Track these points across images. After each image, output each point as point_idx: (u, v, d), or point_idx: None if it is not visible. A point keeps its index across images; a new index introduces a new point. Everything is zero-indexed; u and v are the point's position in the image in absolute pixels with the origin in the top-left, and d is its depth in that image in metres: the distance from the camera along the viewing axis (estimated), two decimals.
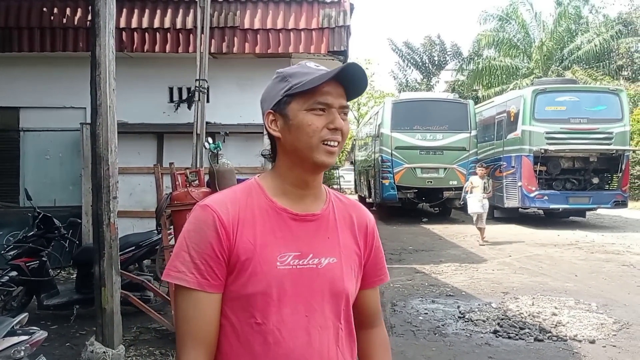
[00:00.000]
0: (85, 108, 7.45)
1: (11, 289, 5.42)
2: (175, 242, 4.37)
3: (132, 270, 5.94)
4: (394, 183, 15.02)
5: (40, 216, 5.68)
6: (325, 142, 1.27)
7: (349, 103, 1.33)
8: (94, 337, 4.18)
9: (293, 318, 1.26)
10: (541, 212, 16.31)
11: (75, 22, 7.90)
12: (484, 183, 11.42)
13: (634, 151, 18.26)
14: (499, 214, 15.72)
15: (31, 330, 2.85)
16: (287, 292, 1.26)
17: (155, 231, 5.65)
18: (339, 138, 1.28)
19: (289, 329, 1.26)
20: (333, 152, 1.28)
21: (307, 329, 1.28)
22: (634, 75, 26.78)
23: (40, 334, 2.85)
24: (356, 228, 1.41)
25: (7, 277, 5.36)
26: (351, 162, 26.34)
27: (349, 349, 1.37)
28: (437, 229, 13.75)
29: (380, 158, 15.46)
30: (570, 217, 15.78)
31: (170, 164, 5.19)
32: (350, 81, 1.29)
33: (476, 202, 11.35)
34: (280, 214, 1.30)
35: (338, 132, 1.28)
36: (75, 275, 6.16)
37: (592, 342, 5.06)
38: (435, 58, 33.02)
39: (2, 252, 5.72)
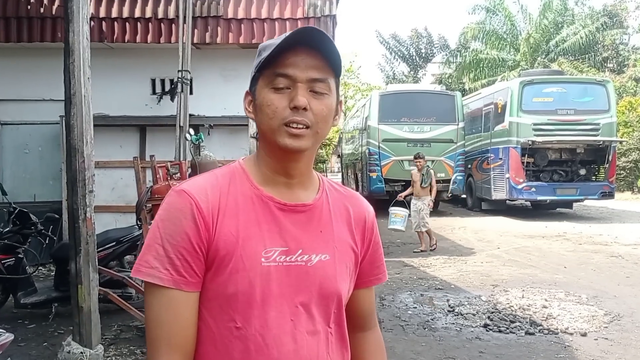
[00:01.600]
0: (64, 100, 7.25)
1: None
2: None
3: (112, 266, 5.76)
4: (382, 176, 14.92)
5: (15, 212, 5.47)
6: (288, 124, 1.09)
7: (327, 76, 1.12)
8: (71, 337, 4.02)
9: (278, 322, 1.10)
10: (528, 203, 16.33)
11: (53, 12, 7.65)
12: (422, 176, 9.75)
13: (620, 142, 18.30)
14: (487, 206, 15.70)
15: None
16: (272, 293, 1.10)
17: (137, 226, 5.48)
18: (305, 120, 1.09)
19: (273, 335, 1.09)
20: (297, 134, 1.09)
21: (294, 334, 1.11)
22: (619, 67, 26.91)
23: (6, 337, 2.68)
24: (353, 221, 1.24)
25: None
26: (338, 156, 26.21)
27: (340, 355, 1.21)
28: None
29: (367, 151, 15.35)
30: (558, 209, 15.80)
31: (151, 156, 5.04)
32: (317, 48, 1.10)
33: (414, 206, 9.82)
34: (266, 204, 1.14)
35: (305, 113, 1.09)
36: (54, 272, 5.97)
37: (584, 334, 4.99)
38: (423, 50, 32.98)
39: None
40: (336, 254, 1.18)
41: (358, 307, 1.31)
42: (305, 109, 1.09)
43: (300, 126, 1.09)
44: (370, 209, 1.31)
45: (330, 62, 1.12)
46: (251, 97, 1.17)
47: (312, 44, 1.09)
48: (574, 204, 15.74)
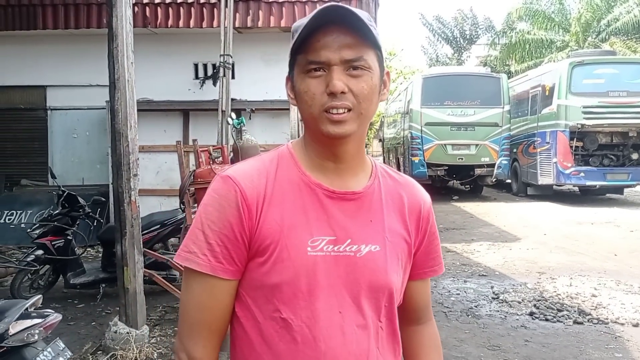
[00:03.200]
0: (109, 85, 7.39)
1: (38, 268, 5.41)
2: None
3: (157, 249, 5.88)
4: (424, 160, 14.70)
5: (64, 195, 5.64)
6: (328, 111, 1.04)
7: (362, 53, 1.04)
8: (117, 317, 4.12)
9: (326, 315, 1.06)
10: (576, 189, 15.81)
11: None
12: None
13: None
14: (532, 191, 15.28)
15: (45, 313, 2.76)
16: (319, 284, 1.06)
17: (180, 210, 5.56)
18: (346, 103, 1.03)
19: (320, 327, 1.05)
20: (339, 120, 1.04)
21: (342, 327, 1.07)
22: None
23: (55, 317, 2.75)
24: (407, 211, 1.17)
25: (33, 256, 5.34)
26: (380, 140, 25.99)
27: (391, 351, 1.16)
28: (468, 207, 13.42)
29: (409, 135, 15.14)
30: (607, 195, 15.26)
31: (194, 140, 5.08)
32: (348, 24, 1.03)
33: None
34: (314, 191, 1.09)
35: (344, 96, 1.03)
36: (101, 254, 6.13)
37: (636, 325, 4.80)
38: (467, 32, 32.21)
39: (28, 230, 5.70)
40: (387, 244, 1.12)
41: (412, 300, 1.25)
42: (343, 92, 1.03)
43: (341, 111, 1.04)
44: (426, 197, 1.24)
45: (365, 36, 1.05)
46: (291, 82, 1.12)
47: (342, 20, 1.03)
48: (625, 190, 15.16)
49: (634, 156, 13.60)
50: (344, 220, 1.10)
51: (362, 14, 1.05)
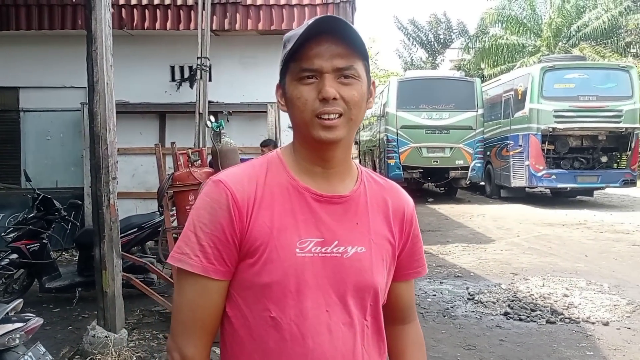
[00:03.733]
0: (86, 88, 7.29)
1: (12, 272, 5.33)
2: (178, 223, 4.23)
3: (134, 252, 5.84)
4: (400, 163, 14.84)
5: (39, 198, 5.56)
6: (320, 116, 1.08)
7: (352, 62, 1.10)
8: (95, 321, 4.09)
9: (314, 313, 1.10)
10: (548, 191, 16.12)
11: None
12: None
13: None
14: (506, 193, 15.55)
15: (26, 317, 2.74)
16: (307, 283, 1.10)
17: (158, 213, 5.53)
18: (337, 109, 1.08)
19: (308, 325, 1.10)
20: (330, 125, 1.08)
21: (329, 325, 1.11)
22: None
23: (36, 321, 2.73)
24: (391, 214, 1.22)
25: (8, 260, 5.27)
26: (356, 142, 26.15)
27: (376, 349, 1.21)
28: (444, 209, 13.60)
29: (385, 138, 15.26)
30: (578, 197, 15.59)
31: (172, 143, 5.06)
32: (340, 35, 1.08)
33: None
34: (302, 194, 1.14)
35: (336, 102, 1.08)
36: (77, 258, 6.06)
37: (606, 324, 4.95)
38: (441, 36, 32.56)
39: (2, 234, 5.62)
40: (372, 246, 1.17)
41: (397, 300, 1.30)
42: (335, 98, 1.08)
43: (333, 116, 1.09)
44: (409, 201, 1.29)
45: (355, 47, 1.11)
46: (282, 90, 1.17)
47: (334, 31, 1.09)
48: (595, 192, 15.50)
49: (603, 159, 13.95)
50: (331, 223, 1.14)
51: (352, 25, 1.10)
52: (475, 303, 5.63)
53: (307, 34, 1.07)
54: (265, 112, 7.77)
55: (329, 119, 1.09)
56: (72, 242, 6.48)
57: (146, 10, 7.66)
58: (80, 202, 6.51)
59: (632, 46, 26.65)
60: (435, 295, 5.97)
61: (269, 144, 6.89)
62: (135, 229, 5.61)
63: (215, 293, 1.12)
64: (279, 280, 1.09)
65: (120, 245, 4.21)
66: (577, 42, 25.66)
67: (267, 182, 1.14)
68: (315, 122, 1.10)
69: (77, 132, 8.32)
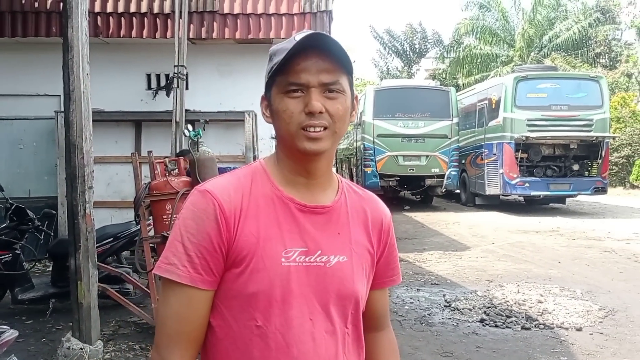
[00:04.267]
0: (59, 95, 7.15)
1: None
2: (155, 233, 4.18)
3: (110, 262, 5.76)
4: (376, 171, 14.94)
5: (12, 207, 5.46)
6: (305, 129, 1.11)
7: (338, 77, 1.13)
8: (70, 333, 4.03)
9: (298, 322, 1.12)
10: (522, 199, 16.38)
11: (48, 6, 7.61)
12: None
13: (613, 138, 18.43)
14: (480, 201, 15.76)
15: (1, 330, 2.69)
16: (292, 292, 1.12)
17: (134, 222, 5.47)
18: (322, 122, 1.11)
19: (292, 334, 1.12)
20: (315, 138, 1.11)
21: (312, 334, 1.13)
22: (611, 63, 27.03)
23: (11, 333, 2.68)
24: (370, 224, 1.26)
25: None
26: None
27: (356, 355, 1.23)
28: (420, 216, 13.72)
29: (362, 146, 15.36)
30: (551, 204, 15.88)
31: (149, 152, 5.02)
32: (326, 51, 1.11)
33: None
34: (286, 205, 1.16)
35: (321, 115, 1.11)
36: (50, 268, 5.96)
37: (579, 329, 5.04)
38: (417, 46, 32.96)
39: None
40: (353, 255, 1.20)
41: (372, 308, 1.32)
42: (320, 112, 1.11)
43: (318, 129, 1.12)
44: (386, 211, 1.33)
45: (341, 62, 1.14)
46: (267, 102, 1.19)
47: (321, 47, 1.11)
48: (567, 199, 15.81)
49: (575, 167, 14.25)
50: (315, 233, 1.17)
51: (338, 42, 1.13)
52: (451, 310, 5.69)
53: (295, 49, 1.10)
54: (243, 120, 7.76)
55: (314, 131, 1.12)
56: (45, 252, 6.36)
57: (122, 19, 7.60)
58: (54, 212, 6.40)
59: (601, 57, 27.36)
60: (412, 302, 6.01)
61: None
62: (111, 239, 5.54)
63: (202, 303, 1.13)
64: (265, 290, 1.11)
65: (96, 256, 4.15)
66: (548, 52, 26.24)
67: (252, 192, 1.16)
68: (300, 134, 1.12)
69: (50, 140, 8.19)
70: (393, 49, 33.38)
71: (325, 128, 1.12)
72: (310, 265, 1.14)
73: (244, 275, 1.11)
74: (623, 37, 28.50)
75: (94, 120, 4.20)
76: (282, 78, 1.13)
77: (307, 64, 1.11)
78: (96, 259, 4.14)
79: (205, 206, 1.12)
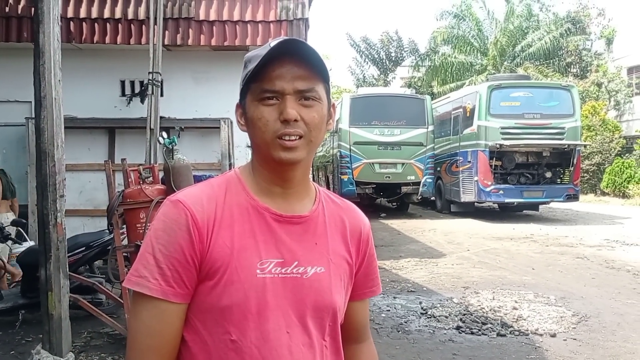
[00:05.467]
0: (30, 102, 7.03)
1: None
2: (128, 241, 4.10)
3: (82, 272, 5.64)
4: (353, 178, 14.98)
5: None
6: (280, 137, 1.09)
7: (314, 84, 1.11)
8: (40, 345, 3.91)
9: (274, 335, 1.09)
10: (496, 206, 16.59)
11: (19, 11, 7.46)
12: None
13: (584, 146, 18.78)
14: (456, 208, 15.91)
15: None
16: (268, 305, 1.09)
17: (107, 231, 5.38)
18: (298, 131, 1.09)
19: (269, 347, 1.08)
20: (291, 147, 1.09)
21: (289, 347, 1.10)
22: (582, 73, 27.57)
23: None
24: (348, 233, 1.23)
25: None
26: None
27: None
28: (396, 224, 13.78)
29: (338, 153, 15.40)
30: (524, 211, 16.11)
31: (123, 160, 4.95)
32: (302, 57, 1.09)
33: None
34: (262, 214, 1.13)
35: (297, 124, 1.08)
36: (20, 279, 5.81)
37: (553, 335, 5.09)
38: (393, 54, 33.20)
39: None
40: (331, 266, 1.17)
41: (352, 320, 1.30)
42: (296, 120, 1.09)
43: (293, 137, 1.09)
44: (365, 221, 1.30)
45: (316, 69, 1.12)
46: (242, 110, 1.16)
47: (296, 54, 1.09)
48: (540, 206, 16.06)
49: (548, 175, 14.49)
50: (291, 243, 1.14)
51: (314, 48, 1.11)
52: (428, 317, 5.70)
53: (269, 56, 1.08)
54: (218, 127, 7.71)
55: (289, 140, 1.09)
56: (15, 262, 6.21)
57: (96, 24, 7.49)
58: (24, 221, 6.26)
59: (572, 66, 27.90)
60: (389, 310, 6.01)
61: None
62: (83, 248, 5.43)
63: (175, 317, 1.09)
64: (240, 302, 1.08)
65: (67, 266, 4.06)
66: (521, 61, 26.71)
67: (226, 202, 1.13)
68: (276, 142, 1.09)
69: (21, 147, 8.02)
70: (369, 57, 33.57)
71: (300, 137, 1.10)
72: (287, 277, 1.12)
73: (218, 287, 1.08)
74: (593, 47, 29.11)
75: (66, 127, 4.12)
76: (256, 85, 1.10)
77: (282, 70, 1.09)
78: (67, 269, 4.04)
79: (177, 217, 1.08)
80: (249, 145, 1.24)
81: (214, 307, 1.09)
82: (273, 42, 1.09)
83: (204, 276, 1.09)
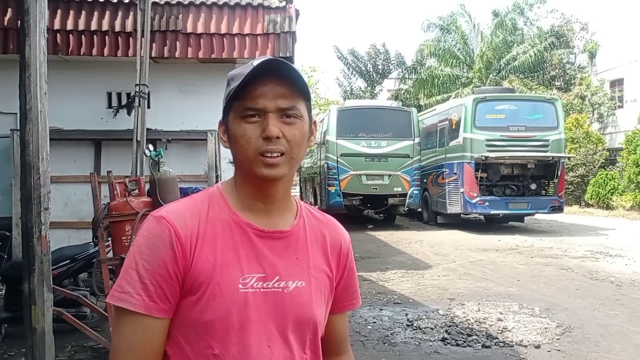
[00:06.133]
0: (15, 114, 6.99)
1: None
2: (114, 254, 4.08)
3: (66, 285, 5.60)
4: (340, 190, 15.02)
5: None
6: (263, 154, 1.11)
7: (295, 102, 1.14)
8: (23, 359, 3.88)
9: (256, 349, 1.11)
10: (482, 217, 16.69)
11: (5, 23, 7.44)
12: None
13: (568, 158, 19.00)
14: (442, 219, 16.00)
15: None
16: (250, 319, 1.11)
17: (92, 243, 5.35)
18: (280, 148, 1.11)
19: None
20: (273, 163, 1.11)
21: None
22: (565, 86, 27.94)
23: None
24: (329, 248, 1.26)
25: None
26: (297, 169, 26.27)
27: None
28: (383, 235, 13.81)
29: (326, 165, 15.45)
30: (510, 222, 16.22)
31: (108, 172, 4.95)
32: (284, 76, 1.12)
33: None
34: (244, 230, 1.15)
35: (279, 141, 1.11)
36: (3, 292, 5.75)
37: (538, 347, 5.13)
38: (380, 67, 33.41)
39: None
40: (312, 280, 1.20)
41: (332, 333, 1.32)
42: (278, 137, 1.11)
43: (275, 154, 1.12)
44: (346, 235, 1.33)
45: (298, 88, 1.15)
46: (225, 127, 1.19)
47: (278, 72, 1.12)
48: (526, 218, 16.19)
49: (533, 186, 14.64)
50: (273, 258, 1.16)
51: (296, 67, 1.14)
52: (414, 329, 5.72)
53: (252, 74, 1.10)
54: (205, 140, 7.72)
55: (271, 157, 1.12)
56: None
57: (83, 36, 7.49)
58: (8, 234, 6.21)
59: (556, 79, 28.28)
60: (375, 322, 6.02)
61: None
62: (68, 261, 5.39)
63: (158, 332, 1.10)
64: (222, 317, 1.09)
65: (51, 279, 4.03)
66: (506, 74, 27.03)
67: (209, 217, 1.15)
68: (258, 159, 1.12)
69: (5, 159, 7.95)
70: (357, 69, 33.76)
71: (282, 154, 1.13)
72: (268, 291, 1.14)
73: (201, 302, 1.10)
74: (576, 60, 29.56)
75: (52, 139, 4.11)
76: (239, 103, 1.13)
77: (265, 89, 1.11)
78: (51, 283, 4.01)
79: (160, 232, 1.10)
80: (232, 161, 1.26)
81: (196, 322, 1.10)
82: (256, 61, 1.12)
83: (187, 291, 1.10)
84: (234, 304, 1.10)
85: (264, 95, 1.11)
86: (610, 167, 22.94)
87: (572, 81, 27.78)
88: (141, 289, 1.08)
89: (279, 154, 1.12)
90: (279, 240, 1.18)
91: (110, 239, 4.77)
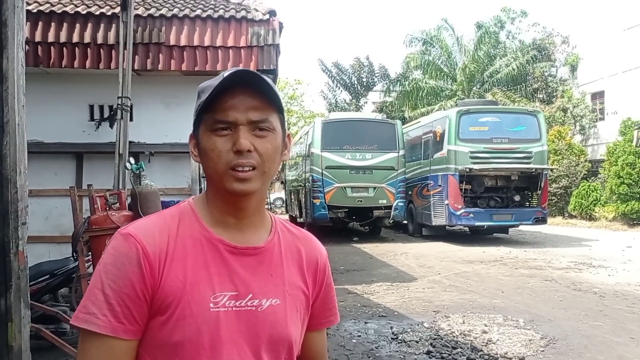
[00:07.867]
0: None
1: None
2: (94, 269, 4.04)
3: (45, 300, 5.49)
4: (325, 202, 15.00)
5: None
6: (234, 168, 1.07)
7: (267, 115, 1.10)
8: None
9: None
10: (467, 229, 16.76)
11: None
12: None
13: (551, 170, 19.19)
14: (427, 231, 16.03)
15: None
16: (221, 339, 1.07)
17: (72, 258, 5.26)
18: (251, 162, 1.08)
19: None
20: (244, 178, 1.08)
21: None
22: (548, 98, 28.30)
23: None
24: (305, 264, 1.22)
25: None
26: (282, 182, 26.20)
27: None
28: (368, 247, 13.80)
29: (311, 177, 15.43)
30: (494, 234, 16.30)
31: (89, 185, 4.88)
32: (255, 88, 1.09)
33: None
34: (216, 246, 1.11)
35: (250, 154, 1.07)
36: None
37: (522, 359, 5.12)
38: (364, 79, 33.60)
39: None
40: (287, 298, 1.16)
41: (310, 351, 1.29)
42: (249, 150, 1.08)
43: (247, 169, 1.09)
44: (322, 250, 1.30)
45: (270, 100, 1.11)
46: (195, 140, 1.15)
47: (249, 84, 1.09)
48: (510, 229, 16.29)
49: (517, 198, 14.75)
50: (246, 275, 1.12)
51: (268, 79, 1.11)
52: (399, 343, 5.68)
53: (222, 86, 1.07)
54: (189, 152, 7.64)
55: (242, 171, 1.08)
56: None
57: (64, 48, 7.42)
58: None
59: (539, 92, 28.63)
60: (360, 335, 5.98)
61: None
62: (47, 276, 5.29)
63: (125, 354, 1.06)
64: (192, 338, 1.05)
65: (29, 295, 3.95)
66: (489, 87, 27.35)
67: (179, 234, 1.11)
68: (229, 174, 1.08)
69: None
70: (341, 82, 33.91)
71: (254, 168, 1.09)
72: (241, 310, 1.10)
73: (170, 322, 1.06)
74: (558, 73, 29.97)
75: (32, 152, 4.07)
76: (209, 116, 1.10)
77: (235, 101, 1.08)
78: (29, 299, 3.93)
79: (127, 250, 1.06)
80: (204, 176, 1.22)
81: (165, 343, 1.06)
82: (226, 73, 1.09)
83: (156, 311, 1.06)
84: (205, 324, 1.06)
85: (235, 108, 1.08)
86: (592, 178, 23.21)
87: (554, 94, 28.14)
88: (107, 310, 1.03)
89: (251, 168, 1.09)
90: (252, 256, 1.15)
91: (90, 253, 4.70)
